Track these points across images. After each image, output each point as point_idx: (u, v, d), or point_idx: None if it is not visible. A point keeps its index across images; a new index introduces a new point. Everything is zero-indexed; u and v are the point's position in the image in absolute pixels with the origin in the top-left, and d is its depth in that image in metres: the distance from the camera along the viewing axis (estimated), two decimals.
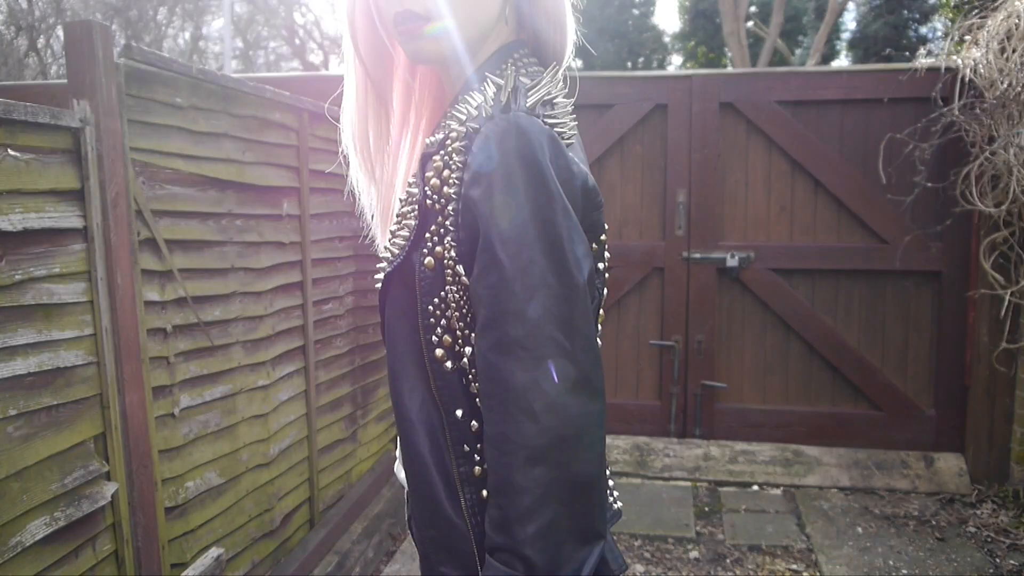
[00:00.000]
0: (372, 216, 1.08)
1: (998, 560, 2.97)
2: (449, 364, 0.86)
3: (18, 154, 1.59)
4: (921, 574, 2.88)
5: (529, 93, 0.82)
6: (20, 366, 1.59)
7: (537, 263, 0.76)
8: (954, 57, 3.53)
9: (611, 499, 1.02)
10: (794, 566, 2.96)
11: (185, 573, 2.06)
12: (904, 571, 2.91)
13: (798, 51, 14.76)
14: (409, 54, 0.91)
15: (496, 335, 0.76)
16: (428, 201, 0.86)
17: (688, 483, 3.75)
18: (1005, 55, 3.26)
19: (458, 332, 0.86)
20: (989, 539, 3.14)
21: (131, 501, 1.91)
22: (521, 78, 0.86)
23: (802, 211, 3.84)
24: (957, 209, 3.50)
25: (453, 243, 0.84)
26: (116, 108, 1.85)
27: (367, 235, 1.11)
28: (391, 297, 0.92)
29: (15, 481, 1.57)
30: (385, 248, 0.95)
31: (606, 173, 3.98)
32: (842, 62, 15.28)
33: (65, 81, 1.83)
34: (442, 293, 0.85)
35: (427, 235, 0.86)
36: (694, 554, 3.07)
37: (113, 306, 1.84)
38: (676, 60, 17.57)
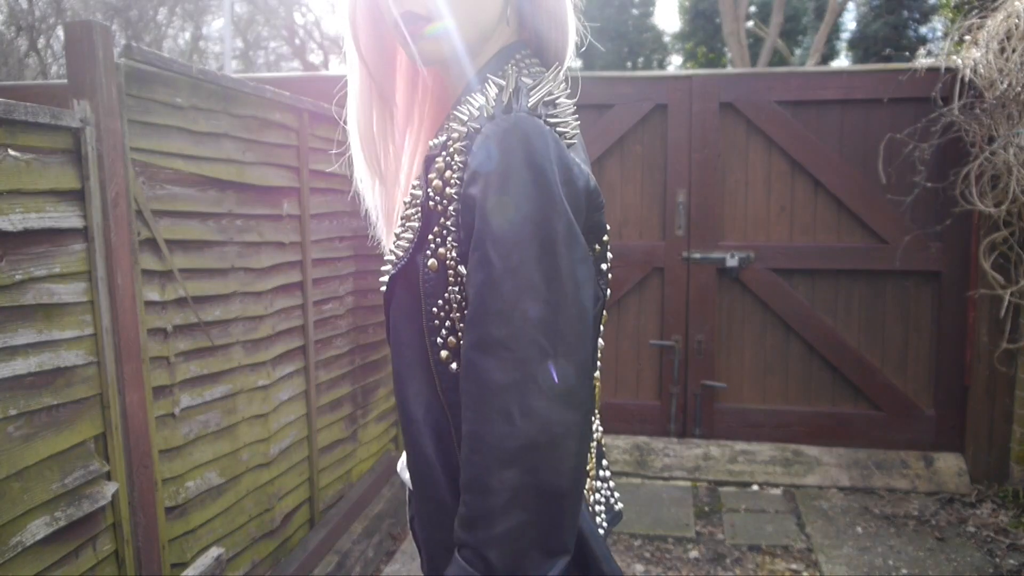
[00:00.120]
0: (377, 218, 1.08)
1: (998, 560, 2.97)
2: (454, 366, 0.86)
3: (18, 154, 1.59)
4: (921, 574, 2.89)
5: (531, 93, 0.82)
6: (20, 366, 1.59)
7: (527, 265, 0.75)
8: (954, 57, 3.53)
9: (612, 500, 1.02)
10: (794, 566, 2.96)
11: (185, 573, 2.06)
12: (904, 571, 2.91)
13: (798, 51, 14.77)
14: (411, 56, 0.92)
15: (479, 333, 0.76)
16: (430, 202, 0.86)
17: (688, 483, 3.75)
18: (1005, 55, 3.26)
19: (462, 334, 0.86)
20: (989, 539, 3.14)
21: (131, 501, 1.91)
22: (523, 78, 0.86)
23: (802, 211, 3.84)
24: (957, 209, 3.50)
25: (454, 243, 0.83)
26: (116, 108, 1.85)
27: (370, 236, 1.11)
28: (396, 299, 0.92)
29: (15, 481, 1.57)
30: (390, 251, 0.95)
31: (606, 173, 3.98)
32: (842, 62, 15.29)
33: (65, 81, 1.84)
34: (446, 295, 0.85)
35: (430, 237, 0.86)
36: (694, 554, 3.07)
37: (113, 306, 1.84)
38: (676, 60, 17.58)
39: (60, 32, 12.10)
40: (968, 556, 3.00)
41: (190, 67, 2.18)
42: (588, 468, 0.94)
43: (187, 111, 2.16)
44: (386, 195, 1.04)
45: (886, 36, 12.62)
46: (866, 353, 3.81)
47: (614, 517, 1.01)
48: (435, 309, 0.86)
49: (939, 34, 11.91)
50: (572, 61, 0.98)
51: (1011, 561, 2.96)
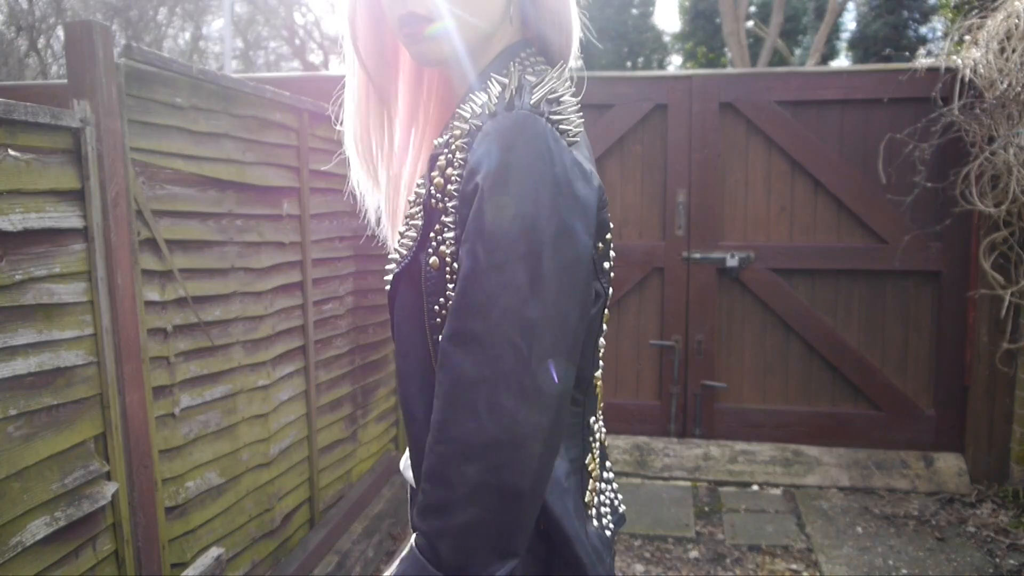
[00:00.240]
0: (379, 218, 1.08)
1: (998, 560, 2.97)
2: None
3: (18, 154, 1.59)
4: (921, 574, 2.89)
5: (534, 91, 0.81)
6: (20, 366, 1.59)
7: (512, 263, 0.74)
8: (954, 57, 3.53)
9: (617, 502, 1.02)
10: (794, 566, 2.96)
11: (185, 573, 2.06)
12: (904, 571, 2.91)
13: (798, 51, 14.77)
14: (414, 56, 0.91)
15: (456, 325, 0.76)
16: (432, 200, 0.86)
17: (688, 483, 3.75)
18: (1005, 55, 3.26)
19: None
20: (989, 539, 3.14)
21: (131, 501, 1.91)
22: (527, 76, 0.86)
23: (802, 211, 3.84)
24: (957, 209, 3.50)
25: (454, 241, 0.83)
26: (116, 108, 1.85)
27: (371, 236, 1.11)
28: (399, 298, 0.92)
29: (15, 481, 1.57)
30: (394, 249, 0.95)
31: (606, 173, 3.98)
32: (842, 62, 15.29)
33: (65, 81, 1.84)
34: (447, 293, 0.85)
35: (431, 234, 0.86)
36: (694, 554, 3.07)
37: (113, 306, 1.84)
38: (676, 60, 17.58)
39: (60, 32, 12.10)
40: (968, 556, 3.00)
41: (190, 67, 2.18)
42: (591, 469, 0.93)
43: (187, 111, 2.16)
44: (391, 195, 1.04)
45: (886, 36, 12.62)
46: (866, 353, 3.81)
47: (619, 520, 1.01)
48: (436, 307, 0.85)
49: (939, 34, 11.92)
50: (576, 60, 0.98)
51: (1011, 561, 2.96)
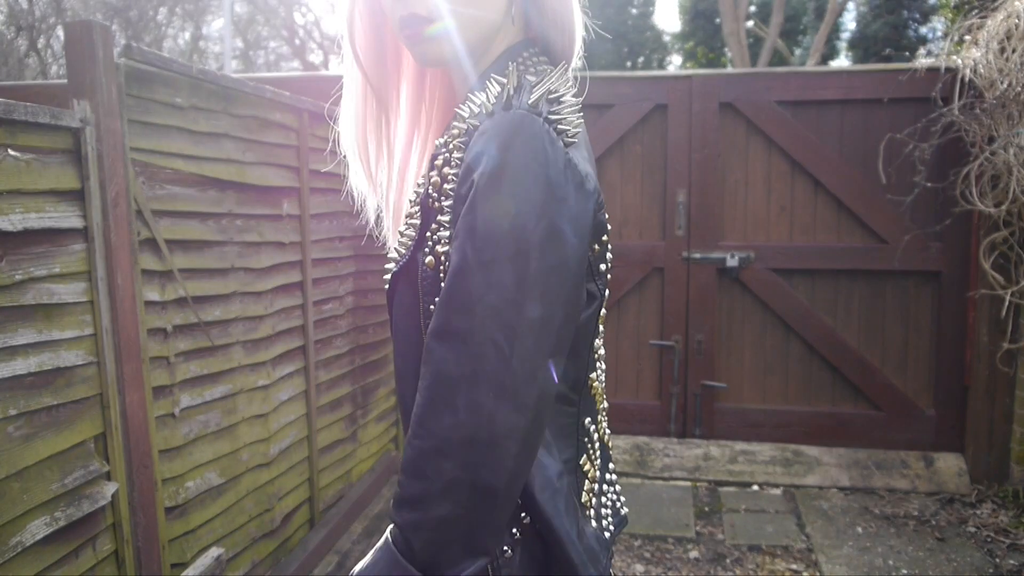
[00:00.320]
0: (379, 218, 1.08)
1: (998, 560, 2.97)
2: None
3: (18, 154, 1.59)
4: (921, 574, 2.89)
5: (533, 90, 0.81)
6: (20, 366, 1.59)
7: (499, 263, 0.74)
8: (954, 57, 3.53)
9: (619, 504, 1.01)
10: (794, 566, 2.96)
11: (185, 573, 2.06)
12: (904, 571, 2.91)
13: (798, 51, 14.77)
14: (416, 57, 0.91)
15: (441, 321, 0.76)
16: (429, 200, 0.86)
17: (688, 483, 3.75)
18: (1005, 55, 3.26)
19: None
20: (989, 539, 3.14)
21: (131, 501, 1.91)
22: (527, 76, 0.86)
23: (802, 211, 3.84)
24: (957, 209, 3.50)
25: (449, 240, 0.83)
26: (116, 108, 1.85)
27: (373, 236, 1.11)
28: (397, 297, 0.92)
29: (15, 481, 1.57)
30: (394, 248, 0.95)
31: (606, 173, 3.98)
32: (842, 62, 15.28)
33: (65, 81, 1.84)
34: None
35: (428, 234, 0.86)
36: (694, 554, 3.07)
37: (113, 306, 1.84)
38: (676, 60, 17.57)
39: (60, 32, 12.10)
40: (968, 556, 3.00)
41: (190, 67, 2.18)
42: (586, 470, 0.93)
43: (187, 111, 2.16)
44: (393, 196, 1.05)
45: (886, 36, 12.62)
46: (866, 353, 3.81)
47: (620, 521, 1.00)
48: (432, 307, 0.85)
49: (939, 34, 11.92)
50: (579, 59, 0.98)
51: (1011, 561, 2.96)
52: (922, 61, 3.55)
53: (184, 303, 2.15)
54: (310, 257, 2.83)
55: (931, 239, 3.66)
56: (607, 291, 0.93)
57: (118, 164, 1.85)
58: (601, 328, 0.96)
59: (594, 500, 0.95)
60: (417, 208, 0.90)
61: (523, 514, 0.84)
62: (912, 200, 3.60)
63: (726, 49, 13.70)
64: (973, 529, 3.23)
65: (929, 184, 3.58)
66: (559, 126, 0.80)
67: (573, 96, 0.84)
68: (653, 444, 3.95)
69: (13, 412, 1.57)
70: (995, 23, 3.34)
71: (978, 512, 3.38)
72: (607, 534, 0.95)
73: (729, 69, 10.02)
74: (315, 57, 17.83)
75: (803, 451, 3.83)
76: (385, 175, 1.04)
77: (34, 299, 1.63)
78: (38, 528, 1.62)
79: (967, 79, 3.39)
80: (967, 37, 3.57)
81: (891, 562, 2.97)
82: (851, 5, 13.51)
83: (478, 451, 0.73)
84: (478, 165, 0.77)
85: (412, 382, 0.89)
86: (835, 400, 3.88)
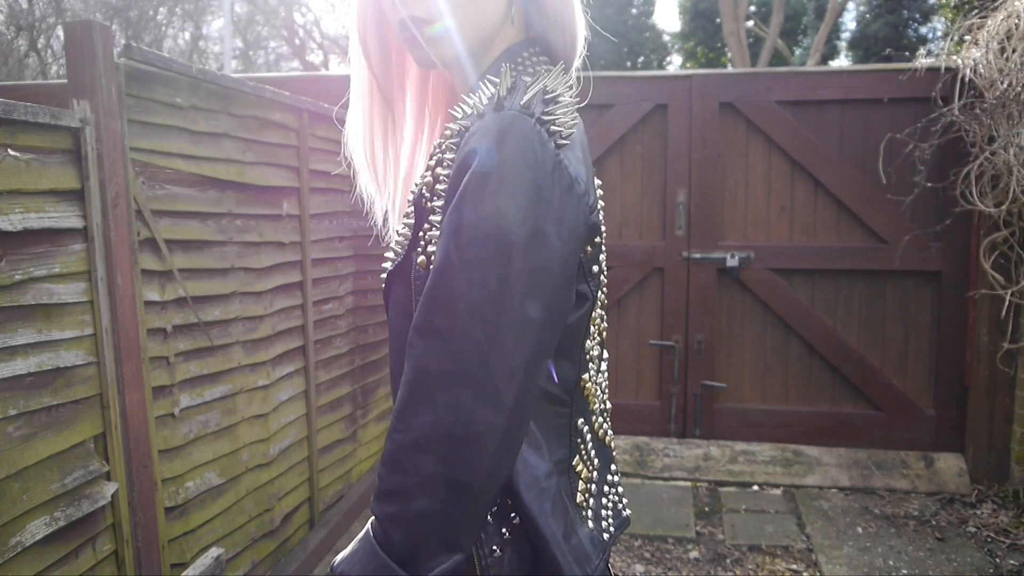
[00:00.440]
0: (384, 219, 1.08)
1: (998, 560, 2.97)
2: None
3: (18, 154, 1.59)
4: (921, 574, 2.88)
5: (527, 90, 0.81)
6: (20, 366, 1.59)
7: (481, 262, 0.74)
8: (954, 57, 3.53)
9: (621, 506, 1.01)
10: (794, 566, 2.96)
11: (185, 573, 2.06)
12: (904, 571, 2.91)
13: (798, 51, 14.77)
14: (416, 59, 0.92)
15: (423, 318, 0.76)
16: (422, 200, 0.87)
17: (688, 483, 3.75)
18: (1005, 55, 3.26)
19: None
20: (989, 539, 3.14)
21: (131, 501, 1.91)
22: (523, 76, 0.86)
23: (802, 211, 3.84)
24: (957, 209, 3.50)
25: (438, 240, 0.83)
26: (116, 108, 1.85)
27: (374, 236, 1.12)
28: (393, 296, 0.92)
29: (15, 481, 1.57)
30: (391, 248, 0.96)
31: (606, 173, 3.98)
32: (842, 62, 15.29)
33: (65, 81, 1.84)
34: None
35: (420, 233, 0.86)
36: (694, 554, 3.07)
37: (113, 306, 1.84)
38: (676, 60, 17.57)
39: (60, 32, 12.10)
40: (968, 556, 3.00)
41: (190, 67, 2.18)
42: (579, 471, 0.93)
43: (187, 111, 2.16)
44: (394, 197, 1.05)
45: (886, 36, 12.61)
46: (866, 353, 3.81)
47: (622, 522, 1.00)
48: None
49: (939, 34, 11.92)
50: (581, 59, 0.98)
51: (1011, 561, 2.96)
52: (922, 61, 3.55)
53: (184, 303, 2.15)
54: (310, 257, 2.83)
55: (931, 239, 3.66)
56: (601, 292, 0.93)
57: (118, 164, 1.85)
58: (601, 328, 0.96)
59: (592, 501, 0.94)
60: (412, 208, 0.91)
61: (512, 514, 0.84)
62: (912, 200, 3.60)
63: (726, 49, 13.70)
64: (973, 529, 3.23)
65: (929, 184, 3.58)
66: (552, 127, 0.80)
67: (572, 96, 0.84)
68: (653, 444, 3.95)
69: (13, 412, 1.57)
70: (995, 23, 3.34)
71: (978, 512, 3.38)
72: (607, 535, 0.95)
73: (729, 69, 10.02)
74: (315, 57, 17.84)
75: (803, 451, 3.83)
76: (392, 177, 1.04)
77: (34, 299, 1.63)
78: (38, 528, 1.62)
79: (967, 79, 3.39)
80: (967, 37, 3.57)
81: (891, 562, 2.97)
82: (851, 5, 13.52)
83: (455, 448, 0.74)
84: (467, 165, 0.77)
85: None
86: (835, 400, 3.88)
